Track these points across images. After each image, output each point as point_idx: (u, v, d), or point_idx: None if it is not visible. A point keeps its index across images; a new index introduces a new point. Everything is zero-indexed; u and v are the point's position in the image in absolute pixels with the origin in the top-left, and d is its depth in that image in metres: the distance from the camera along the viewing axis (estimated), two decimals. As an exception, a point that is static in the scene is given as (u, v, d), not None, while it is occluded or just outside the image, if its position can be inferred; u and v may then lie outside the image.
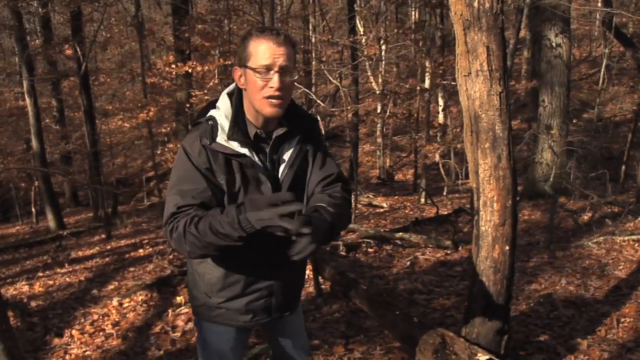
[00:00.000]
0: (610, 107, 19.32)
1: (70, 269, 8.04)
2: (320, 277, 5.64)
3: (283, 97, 1.96)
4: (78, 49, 13.22)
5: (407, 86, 16.55)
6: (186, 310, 5.43)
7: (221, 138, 1.95)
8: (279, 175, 2.06)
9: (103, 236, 10.84)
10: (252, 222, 1.70)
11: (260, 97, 1.94)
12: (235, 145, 1.95)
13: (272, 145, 2.05)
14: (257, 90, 1.93)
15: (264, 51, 1.90)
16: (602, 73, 14.73)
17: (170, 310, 5.48)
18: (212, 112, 2.01)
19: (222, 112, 2.00)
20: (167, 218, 1.93)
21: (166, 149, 13.51)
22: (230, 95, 2.05)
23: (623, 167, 14.07)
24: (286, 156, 2.07)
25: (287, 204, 1.68)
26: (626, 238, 7.19)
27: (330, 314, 5.05)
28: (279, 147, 2.07)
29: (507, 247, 2.92)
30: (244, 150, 1.97)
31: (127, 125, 18.91)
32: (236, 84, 2.05)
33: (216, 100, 2.08)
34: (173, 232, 1.88)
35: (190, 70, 12.13)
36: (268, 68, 1.91)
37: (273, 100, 1.93)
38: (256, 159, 2.00)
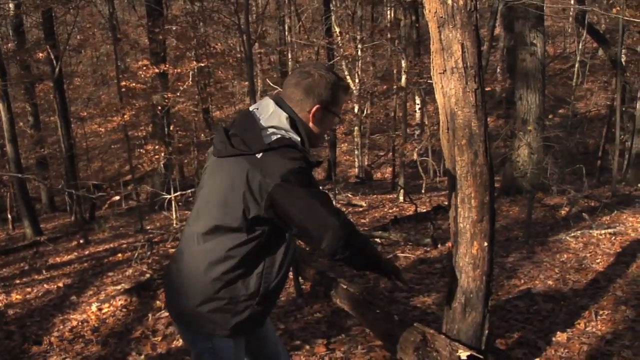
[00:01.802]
0: (585, 102, 19.54)
1: (48, 276, 7.95)
2: (300, 278, 5.63)
3: None
4: (51, 52, 13.07)
5: (384, 86, 16.60)
6: (166, 314, 5.39)
7: (310, 158, 2.11)
8: None
9: (81, 241, 10.73)
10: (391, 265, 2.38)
11: (323, 134, 2.32)
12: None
13: None
14: (327, 130, 2.34)
15: (342, 103, 2.29)
16: (576, 69, 14.90)
17: (150, 315, 5.43)
18: (285, 135, 2.10)
19: (294, 135, 2.12)
20: (337, 209, 2.11)
21: (143, 152, 13.42)
22: (293, 122, 2.16)
23: (598, 162, 14.24)
24: None
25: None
26: (603, 232, 7.27)
27: (311, 314, 5.04)
28: None
29: (486, 243, 2.93)
30: None
31: (103, 129, 18.75)
32: (293, 113, 2.17)
33: (251, 117, 2.17)
34: (349, 226, 2.09)
35: (162, 71, 12.06)
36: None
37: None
38: None
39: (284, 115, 2.12)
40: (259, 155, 2.02)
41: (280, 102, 2.17)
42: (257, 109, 2.18)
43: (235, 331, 2.17)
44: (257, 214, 2.04)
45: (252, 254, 2.11)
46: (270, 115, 2.12)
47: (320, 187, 2.12)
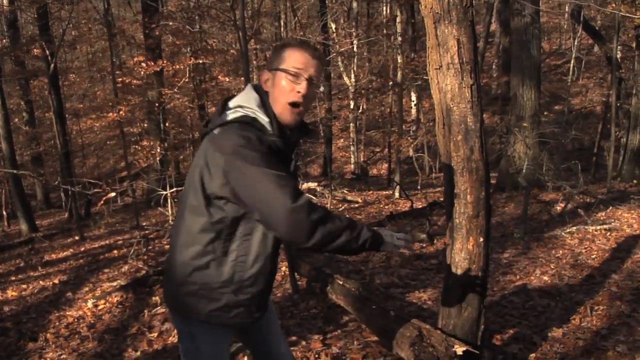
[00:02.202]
0: (580, 98, 19.57)
1: (44, 272, 7.94)
2: (296, 274, 5.64)
3: (304, 106, 2.09)
4: (46, 48, 13.03)
5: (380, 80, 16.58)
6: (162, 310, 5.39)
7: (273, 136, 2.02)
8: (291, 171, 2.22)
9: (76, 238, 10.72)
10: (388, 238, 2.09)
11: (284, 102, 2.06)
12: (282, 144, 2.05)
13: (290, 145, 2.17)
14: (284, 93, 2.06)
15: (298, 58, 2.05)
16: (571, 65, 14.92)
17: (146, 311, 5.43)
18: (248, 113, 2.04)
19: (260, 114, 2.05)
20: (297, 195, 1.89)
21: (138, 148, 13.39)
22: (263, 103, 2.09)
23: (594, 158, 14.27)
24: (293, 155, 2.24)
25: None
26: (598, 227, 7.29)
27: (307, 310, 5.04)
28: (293, 148, 2.21)
29: (482, 239, 2.93)
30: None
31: (98, 125, 18.69)
32: (266, 96, 2.11)
33: (228, 100, 2.13)
34: (315, 211, 1.89)
35: (159, 69, 12.03)
36: (298, 74, 2.05)
37: (294, 108, 2.07)
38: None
39: (254, 95, 2.09)
40: (216, 131, 2.01)
41: (257, 87, 2.14)
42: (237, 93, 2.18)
43: (212, 318, 2.17)
44: (213, 191, 2.00)
45: (221, 240, 2.08)
46: (242, 95, 2.11)
47: (279, 172, 1.92)
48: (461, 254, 2.97)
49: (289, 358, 2.59)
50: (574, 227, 7.38)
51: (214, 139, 1.98)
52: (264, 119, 2.04)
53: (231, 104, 2.08)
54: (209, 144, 1.99)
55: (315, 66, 2.07)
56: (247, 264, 2.12)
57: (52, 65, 13.33)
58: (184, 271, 2.13)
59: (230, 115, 2.03)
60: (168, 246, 2.42)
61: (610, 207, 8.47)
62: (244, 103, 2.06)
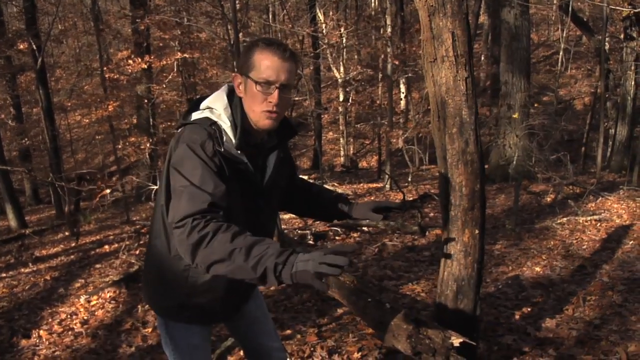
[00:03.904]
0: (569, 90, 19.65)
1: (35, 269, 7.89)
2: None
3: (279, 112, 1.99)
4: (33, 43, 12.91)
5: (370, 72, 16.57)
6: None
7: (229, 145, 1.93)
8: (264, 181, 2.09)
9: (67, 234, 10.67)
10: (301, 268, 1.61)
11: (259, 110, 1.96)
12: (241, 154, 1.96)
13: (261, 154, 2.09)
14: (257, 102, 1.95)
15: (268, 65, 1.92)
16: (560, 57, 14.97)
17: (139, 306, 5.42)
18: (211, 116, 1.97)
19: (224, 117, 1.97)
20: (193, 212, 1.75)
21: (127, 144, 13.32)
22: (229, 100, 2.02)
23: (583, 149, 14.35)
24: (270, 162, 2.11)
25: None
26: (588, 218, 7.35)
27: (301, 303, 5.06)
28: (267, 154, 2.11)
29: (477, 231, 2.94)
30: (245, 159, 1.98)
31: (87, 120, 18.60)
32: (236, 99, 2.03)
33: (201, 99, 2.07)
34: (197, 231, 1.72)
35: (146, 66, 11.96)
36: (270, 83, 1.93)
37: (270, 114, 1.96)
38: (250, 166, 2.01)
39: (223, 97, 2.02)
40: (179, 130, 1.99)
41: (232, 88, 2.07)
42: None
43: (168, 313, 2.18)
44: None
45: (168, 238, 2.03)
46: (212, 96, 2.05)
47: (198, 185, 1.81)
48: (457, 246, 2.98)
49: (280, 353, 2.56)
50: (565, 218, 7.43)
51: (175, 137, 1.96)
52: (225, 123, 1.97)
53: (202, 104, 2.03)
54: (172, 142, 1.96)
55: (286, 70, 1.94)
56: (200, 270, 1.91)
57: (39, 60, 13.21)
58: (149, 265, 2.19)
59: (194, 116, 1.99)
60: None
61: (600, 198, 8.53)
62: (212, 105, 2.01)
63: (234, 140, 1.96)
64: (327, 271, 1.58)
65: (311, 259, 1.61)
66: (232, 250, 1.68)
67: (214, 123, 1.95)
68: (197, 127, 1.93)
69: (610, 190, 9.18)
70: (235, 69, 2.02)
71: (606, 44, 13.25)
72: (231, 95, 2.05)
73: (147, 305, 5.38)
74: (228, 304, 2.24)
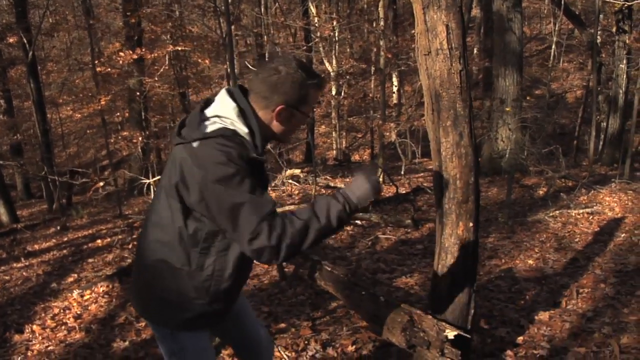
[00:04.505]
0: (561, 83, 19.69)
1: (27, 263, 7.85)
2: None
3: None
4: (23, 37, 12.83)
5: (362, 65, 16.55)
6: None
7: (253, 150, 2.01)
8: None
9: (59, 228, 10.62)
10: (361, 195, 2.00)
11: (289, 133, 2.19)
12: (263, 157, 2.07)
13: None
14: (293, 128, 2.17)
15: (314, 99, 2.14)
16: (552, 50, 14.99)
17: (133, 301, 5.40)
18: (227, 126, 2.00)
19: (240, 125, 2.02)
20: (261, 218, 1.88)
21: (119, 137, 13.27)
22: (242, 113, 2.05)
23: (575, 142, 14.40)
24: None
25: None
26: (581, 211, 7.37)
27: (294, 296, 5.06)
28: None
29: (471, 224, 2.95)
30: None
31: (79, 114, 18.48)
32: (245, 104, 2.07)
33: (205, 107, 2.10)
34: (286, 229, 1.89)
35: (136, 57, 11.89)
36: (309, 117, 2.24)
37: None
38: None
39: (232, 104, 2.04)
40: (195, 144, 1.95)
41: (234, 93, 2.09)
42: (212, 99, 2.12)
43: (188, 326, 2.18)
44: (190, 207, 1.99)
45: (196, 253, 2.06)
46: (218, 104, 2.06)
47: (253, 193, 1.91)
48: (451, 239, 2.99)
49: (267, 341, 2.64)
50: (557, 211, 7.46)
51: (192, 153, 1.94)
52: (242, 129, 2.01)
53: (208, 112, 2.04)
54: (187, 157, 1.95)
55: None
56: (224, 278, 2.10)
57: (30, 54, 13.13)
58: (157, 280, 2.12)
59: (210, 127, 1.98)
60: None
61: (592, 191, 8.57)
62: (221, 113, 2.02)
63: (253, 146, 2.03)
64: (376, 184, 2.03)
65: (361, 185, 2.02)
66: (306, 221, 1.92)
67: (234, 132, 1.99)
68: (221, 139, 1.94)
69: (602, 183, 9.22)
70: (282, 99, 2.05)
71: (598, 37, 13.29)
72: (235, 100, 2.07)
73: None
74: (234, 302, 2.29)
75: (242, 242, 1.90)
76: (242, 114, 2.03)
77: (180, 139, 2.00)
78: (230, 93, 2.08)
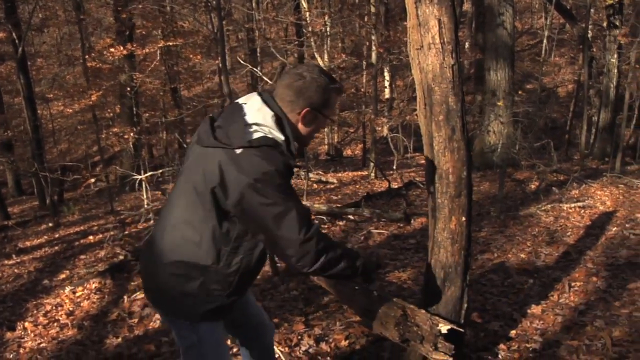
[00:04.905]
0: (553, 77, 19.73)
1: (19, 260, 7.82)
2: (275, 257, 5.63)
3: None
4: (13, 32, 12.75)
5: (354, 60, 16.52)
6: (142, 295, 5.35)
7: (290, 160, 2.11)
8: None
9: (50, 225, 10.58)
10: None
11: (313, 136, 2.33)
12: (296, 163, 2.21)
13: None
14: (316, 131, 2.33)
15: (334, 105, 2.30)
16: (544, 44, 15.02)
17: (125, 297, 5.39)
18: (267, 135, 2.08)
19: (277, 134, 2.10)
20: (308, 224, 2.07)
21: (111, 133, 13.22)
22: (279, 121, 2.14)
23: (566, 136, 14.44)
24: None
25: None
26: (572, 205, 7.40)
27: (287, 291, 5.06)
28: None
29: (464, 218, 2.95)
30: None
31: (70, 110, 18.40)
32: (280, 112, 2.17)
33: (240, 109, 2.17)
34: (322, 240, 2.09)
35: (127, 53, 11.85)
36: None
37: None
38: None
39: (270, 113, 2.12)
40: (238, 151, 2.02)
41: (268, 100, 2.18)
42: (246, 103, 2.17)
43: (209, 317, 2.25)
44: (225, 209, 2.07)
45: (226, 251, 2.15)
46: (256, 112, 2.12)
47: (297, 200, 2.09)
48: (443, 234, 2.99)
49: (268, 321, 2.80)
50: (549, 205, 7.48)
51: (238, 161, 2.01)
52: (279, 137, 2.10)
53: (248, 119, 2.10)
54: (228, 163, 2.02)
55: None
56: (247, 274, 2.25)
57: (20, 49, 13.06)
58: (181, 276, 2.17)
59: (252, 135, 2.05)
60: (148, 238, 2.41)
61: (584, 185, 8.60)
62: (261, 121, 2.09)
63: (289, 152, 2.14)
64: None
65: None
66: (342, 254, 2.19)
67: (275, 141, 2.08)
68: (265, 149, 2.03)
69: (594, 177, 9.26)
70: (307, 103, 2.18)
71: (589, 31, 13.31)
72: (270, 107, 2.16)
73: (132, 296, 5.36)
74: (245, 292, 2.40)
75: (285, 247, 2.06)
76: (279, 122, 2.13)
77: (218, 142, 2.07)
78: (264, 100, 2.18)
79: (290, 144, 2.14)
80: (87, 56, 12.98)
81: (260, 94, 2.21)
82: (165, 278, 2.19)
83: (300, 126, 2.22)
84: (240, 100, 2.23)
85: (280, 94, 2.18)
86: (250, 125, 2.08)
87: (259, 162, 1.99)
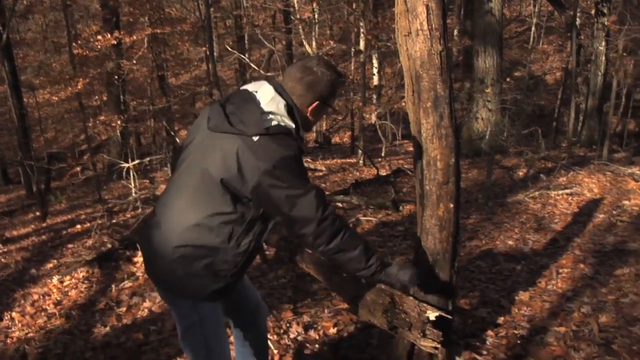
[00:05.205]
0: (541, 65, 19.76)
1: (5, 250, 7.76)
2: (264, 244, 5.61)
3: None
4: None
5: (342, 47, 16.47)
6: (130, 284, 5.34)
7: (302, 146, 2.24)
8: None
9: (37, 214, 10.51)
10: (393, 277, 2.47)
11: (316, 123, 2.47)
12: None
13: None
14: (321, 118, 2.49)
15: (338, 95, 2.48)
16: (532, 32, 15.02)
17: (113, 286, 5.37)
18: (281, 123, 2.18)
19: (288, 122, 2.21)
20: (325, 204, 2.16)
21: (98, 121, 13.12)
22: (290, 110, 2.25)
23: (554, 124, 14.48)
24: None
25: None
26: (560, 192, 7.43)
27: (276, 279, 5.06)
28: None
29: (452, 205, 2.94)
30: None
31: (56, 98, 18.22)
32: (291, 101, 2.27)
33: (253, 95, 2.25)
34: (336, 221, 2.18)
35: (116, 40, 11.74)
36: None
37: None
38: None
39: (282, 102, 2.21)
40: (255, 138, 2.11)
41: (279, 90, 2.26)
42: (257, 92, 2.25)
43: (213, 297, 2.32)
44: (241, 194, 2.16)
45: (237, 233, 2.23)
46: (270, 100, 2.20)
47: (312, 182, 2.20)
48: (431, 221, 2.98)
49: (262, 301, 2.91)
50: (537, 192, 7.51)
51: (256, 148, 2.10)
52: (291, 125, 2.22)
53: (264, 107, 2.19)
54: (246, 150, 2.11)
55: None
56: (254, 254, 2.37)
57: (5, 36, 12.90)
58: (189, 254, 2.22)
59: (268, 123, 2.14)
60: (149, 221, 2.41)
61: (571, 172, 8.63)
62: (275, 110, 2.19)
63: (299, 139, 2.26)
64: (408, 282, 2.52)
65: (397, 268, 2.48)
66: (359, 243, 2.27)
67: (288, 128, 2.20)
68: (282, 136, 2.15)
69: (581, 164, 9.30)
70: (317, 96, 2.32)
71: (577, 19, 13.32)
72: (282, 96, 2.26)
73: (120, 285, 5.34)
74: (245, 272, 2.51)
75: (303, 226, 2.14)
76: (290, 110, 2.24)
77: (234, 129, 2.15)
78: (276, 89, 2.25)
79: (300, 131, 2.26)
80: (73, 44, 12.84)
81: (271, 83, 2.28)
82: (172, 260, 2.23)
83: (308, 115, 2.35)
84: (249, 88, 2.30)
85: (291, 88, 2.28)
86: (266, 113, 2.16)
87: (276, 148, 2.09)
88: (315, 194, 2.12)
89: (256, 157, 2.09)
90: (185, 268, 2.23)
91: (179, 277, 2.25)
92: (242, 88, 2.34)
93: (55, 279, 5.84)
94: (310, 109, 2.33)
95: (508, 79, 13.96)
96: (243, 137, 2.12)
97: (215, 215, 2.19)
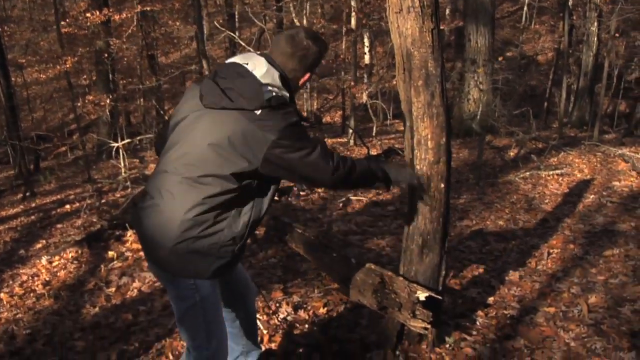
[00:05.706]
0: (532, 45, 19.72)
1: (-7, 230, 7.72)
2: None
3: None
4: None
5: (333, 25, 16.36)
6: (119, 264, 5.31)
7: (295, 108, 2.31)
8: None
9: (28, 194, 10.44)
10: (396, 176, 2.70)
11: (302, 85, 2.47)
12: None
13: None
14: (306, 82, 2.46)
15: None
16: (524, 12, 14.96)
17: (102, 266, 5.33)
18: (278, 94, 2.21)
19: (284, 93, 2.26)
20: (332, 154, 2.29)
21: (87, 101, 13.00)
22: (284, 80, 2.30)
23: (545, 104, 14.48)
24: None
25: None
26: (550, 172, 7.44)
27: (265, 259, 5.03)
28: None
29: (442, 185, 2.92)
30: None
31: (44, 77, 18.05)
32: (282, 71, 2.30)
33: (248, 71, 2.25)
34: (344, 162, 2.33)
35: (106, 18, 11.60)
36: None
37: None
38: None
39: (277, 73, 2.25)
40: (258, 112, 2.14)
41: (271, 61, 2.29)
42: (248, 63, 2.25)
43: (216, 274, 2.30)
44: (250, 168, 2.17)
45: (238, 203, 2.26)
46: (265, 72, 2.22)
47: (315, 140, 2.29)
48: (422, 200, 2.97)
49: (251, 281, 2.90)
50: (527, 173, 7.51)
51: (261, 121, 2.13)
52: (286, 95, 2.26)
53: (261, 79, 2.20)
54: (252, 125, 2.13)
55: None
56: (256, 223, 2.36)
57: (-9, 14, 12.75)
58: (193, 233, 2.20)
59: (271, 94, 2.17)
60: (141, 200, 2.38)
61: (562, 153, 8.64)
62: (271, 81, 2.22)
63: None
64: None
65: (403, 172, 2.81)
66: (365, 166, 2.47)
67: (285, 98, 2.24)
68: (283, 107, 2.19)
69: (572, 145, 9.31)
70: (309, 69, 2.41)
71: (569, -1, 13.27)
72: (274, 67, 2.30)
73: (109, 265, 5.32)
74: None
75: (321, 179, 2.30)
76: (284, 81, 2.28)
77: (234, 103, 2.16)
78: (270, 61, 2.29)
79: (293, 98, 2.35)
80: (62, 22, 12.69)
81: (263, 55, 2.31)
82: (176, 241, 2.20)
83: (299, 85, 2.45)
84: (238, 60, 2.28)
85: (283, 62, 2.32)
86: (264, 85, 2.18)
87: (280, 118, 2.15)
88: (321, 148, 2.23)
89: (262, 130, 2.12)
90: (190, 247, 2.21)
91: (182, 256, 2.22)
92: (230, 61, 2.31)
93: (44, 260, 5.80)
94: (302, 80, 2.42)
95: (500, 59, 13.91)
96: (245, 112, 2.14)
97: (219, 194, 2.18)
